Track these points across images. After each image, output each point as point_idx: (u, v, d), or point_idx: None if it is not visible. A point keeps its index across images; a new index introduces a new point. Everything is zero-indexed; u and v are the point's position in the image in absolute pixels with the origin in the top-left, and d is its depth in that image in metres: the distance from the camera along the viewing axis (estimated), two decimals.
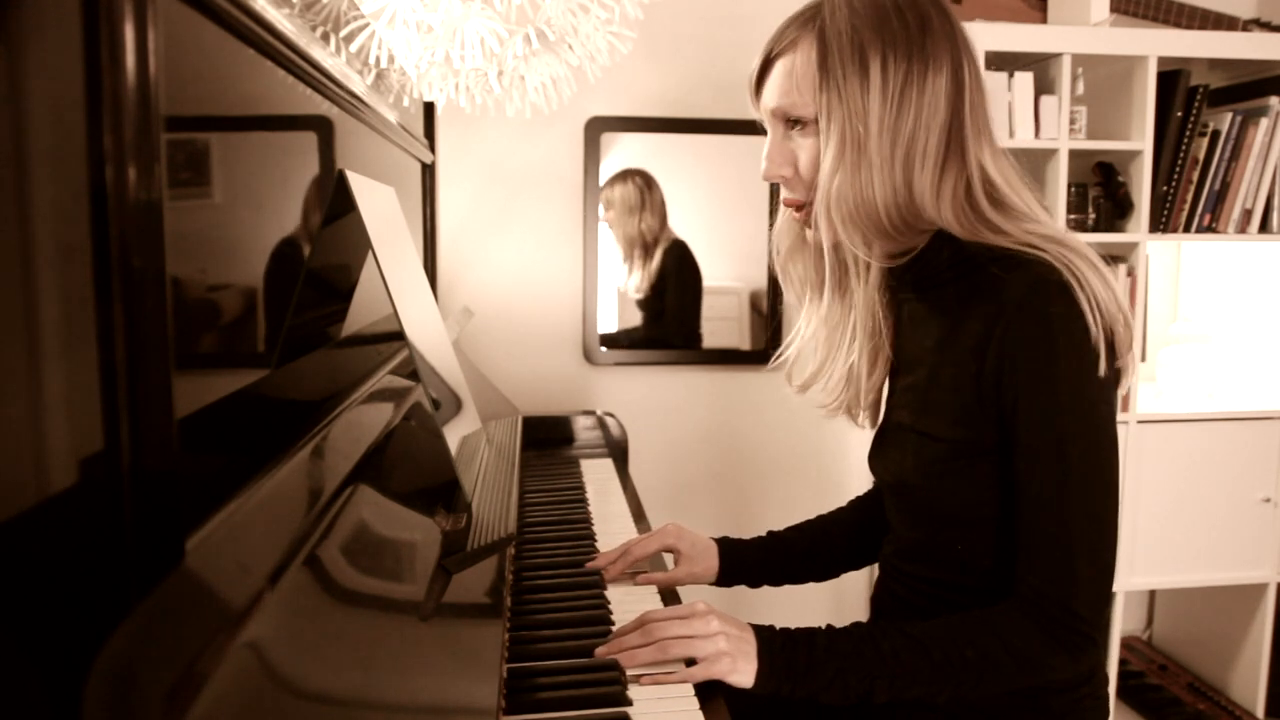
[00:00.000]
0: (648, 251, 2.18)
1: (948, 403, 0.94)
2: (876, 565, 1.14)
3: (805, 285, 1.07)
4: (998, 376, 0.89)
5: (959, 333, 0.93)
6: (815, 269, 1.04)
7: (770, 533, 1.21)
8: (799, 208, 0.98)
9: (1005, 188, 0.94)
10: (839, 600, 2.23)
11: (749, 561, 1.17)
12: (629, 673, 0.89)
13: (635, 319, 2.22)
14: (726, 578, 1.17)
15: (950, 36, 0.92)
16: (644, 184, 2.16)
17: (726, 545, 1.18)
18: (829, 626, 0.92)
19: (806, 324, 1.08)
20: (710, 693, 0.87)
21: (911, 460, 0.97)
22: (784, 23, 0.95)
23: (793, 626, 0.92)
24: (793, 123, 0.95)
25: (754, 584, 1.19)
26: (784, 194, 1.00)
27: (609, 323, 2.19)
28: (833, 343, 1.07)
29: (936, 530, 0.97)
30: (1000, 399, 0.89)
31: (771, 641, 0.90)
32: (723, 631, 0.89)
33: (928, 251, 0.95)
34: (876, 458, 1.07)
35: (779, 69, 0.95)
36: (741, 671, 0.88)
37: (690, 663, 0.89)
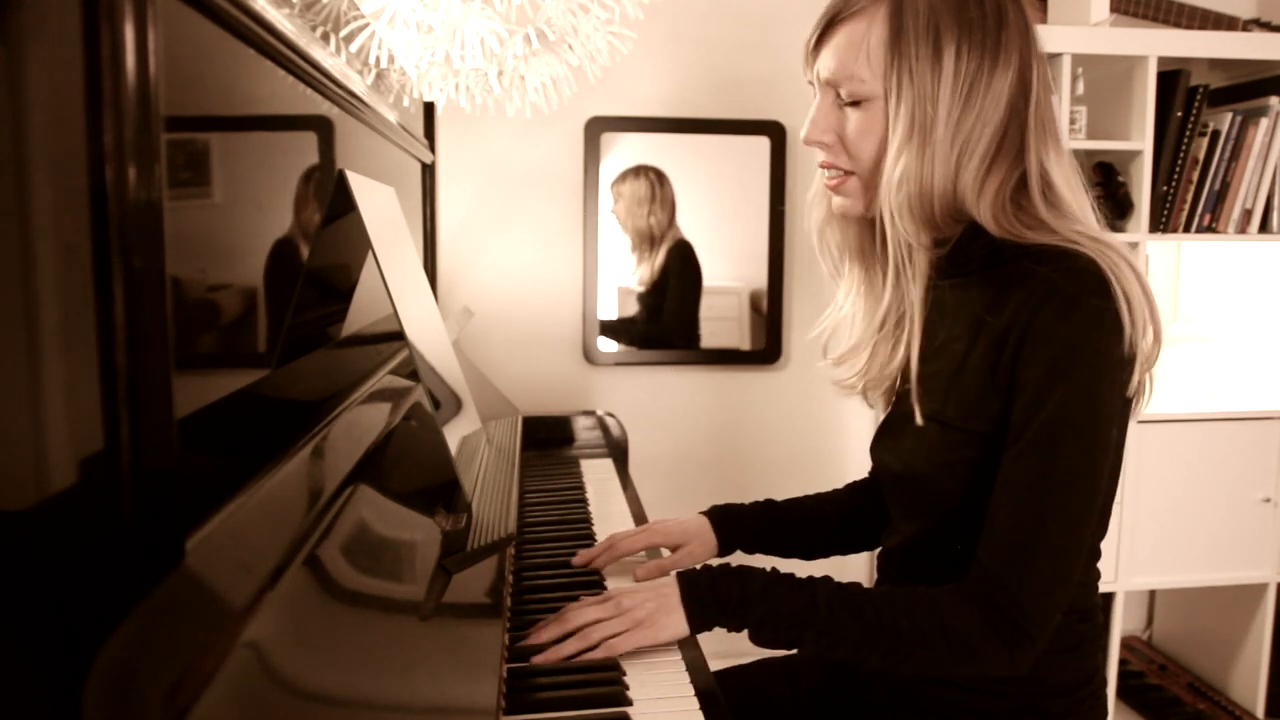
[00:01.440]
0: (652, 246, 2.19)
1: (972, 391, 0.91)
2: (876, 571, 1.14)
3: (843, 254, 1.04)
4: (1015, 357, 0.87)
5: (990, 319, 0.90)
6: (848, 240, 1.02)
7: (768, 500, 1.22)
8: (836, 173, 0.96)
9: (1064, 189, 0.92)
10: None
11: (744, 527, 1.18)
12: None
13: (633, 313, 2.22)
14: (725, 546, 1.18)
15: (1023, 34, 0.90)
16: (656, 179, 2.17)
17: (720, 515, 1.18)
18: (773, 569, 0.93)
19: (845, 296, 1.05)
20: (710, 693, 0.87)
21: (926, 450, 0.95)
22: None
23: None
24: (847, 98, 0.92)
25: (749, 549, 1.19)
26: (821, 158, 0.97)
27: (608, 313, 2.20)
28: (870, 320, 1.03)
29: (940, 523, 0.96)
30: (1013, 378, 0.87)
31: (696, 581, 0.93)
32: (635, 604, 0.92)
33: (963, 239, 0.93)
34: (883, 449, 1.05)
35: (843, 35, 0.91)
36: (666, 626, 0.91)
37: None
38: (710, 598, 0.91)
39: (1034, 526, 0.84)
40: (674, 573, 0.95)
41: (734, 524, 1.17)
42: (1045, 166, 0.91)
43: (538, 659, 0.90)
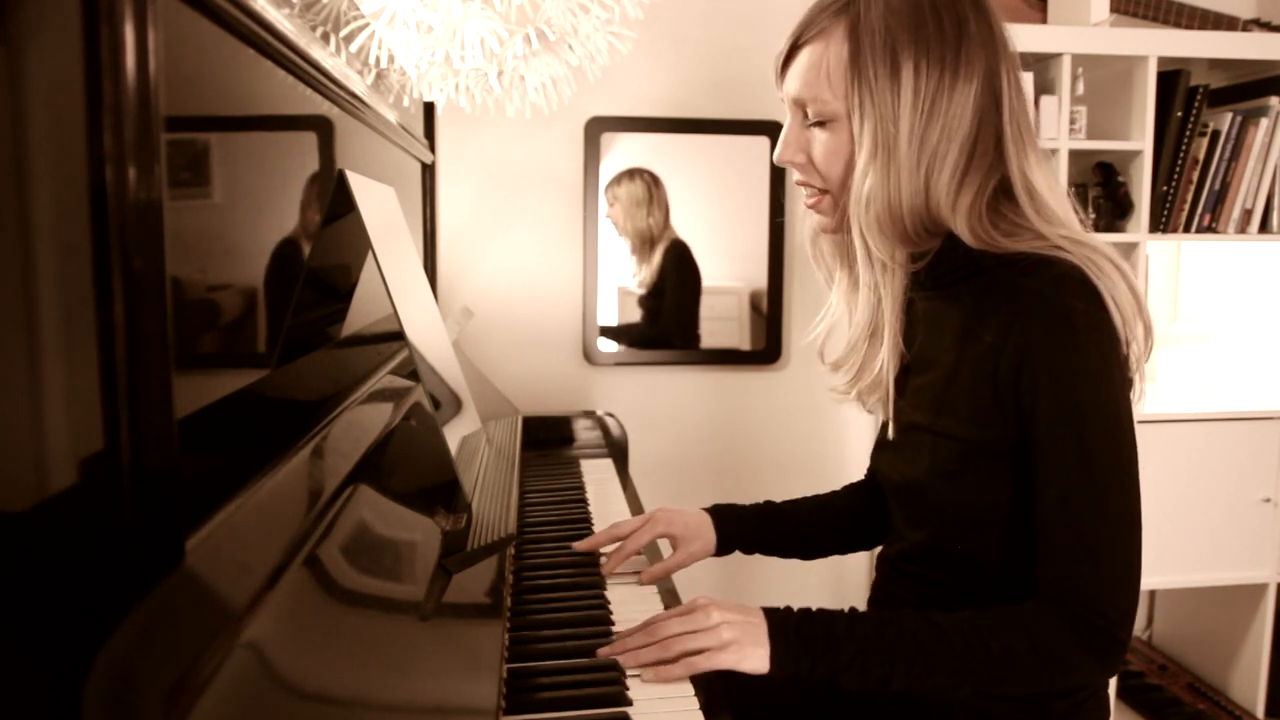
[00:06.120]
0: (651, 248, 2.19)
1: (965, 402, 0.92)
2: (875, 573, 1.14)
3: (835, 263, 1.06)
4: (1016, 373, 0.87)
5: (978, 331, 0.91)
6: (839, 248, 1.04)
7: (768, 501, 1.22)
8: (811, 191, 0.98)
9: (1047, 194, 0.92)
10: (840, 600, 2.23)
11: (744, 529, 1.18)
12: (631, 671, 0.89)
13: (634, 317, 2.22)
14: (724, 546, 1.17)
15: (987, 42, 0.90)
16: (651, 181, 2.17)
17: (720, 514, 1.18)
18: (852, 609, 0.92)
19: (838, 302, 1.07)
20: (711, 693, 0.87)
21: (926, 461, 0.96)
22: (814, 7, 0.92)
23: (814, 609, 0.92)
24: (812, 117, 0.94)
25: (748, 550, 1.19)
26: (797, 177, 0.99)
27: (609, 318, 2.20)
28: (860, 327, 1.05)
29: (945, 532, 0.96)
30: (1019, 396, 0.88)
31: (785, 622, 0.89)
32: (725, 621, 0.88)
33: (943, 250, 0.94)
34: (882, 459, 1.06)
35: (805, 57, 0.92)
36: (751, 657, 0.87)
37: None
38: (796, 641, 0.88)
39: (1090, 535, 0.85)
40: (760, 607, 0.92)
41: (734, 525, 1.17)
42: (1027, 172, 0.92)
43: (622, 660, 0.89)
